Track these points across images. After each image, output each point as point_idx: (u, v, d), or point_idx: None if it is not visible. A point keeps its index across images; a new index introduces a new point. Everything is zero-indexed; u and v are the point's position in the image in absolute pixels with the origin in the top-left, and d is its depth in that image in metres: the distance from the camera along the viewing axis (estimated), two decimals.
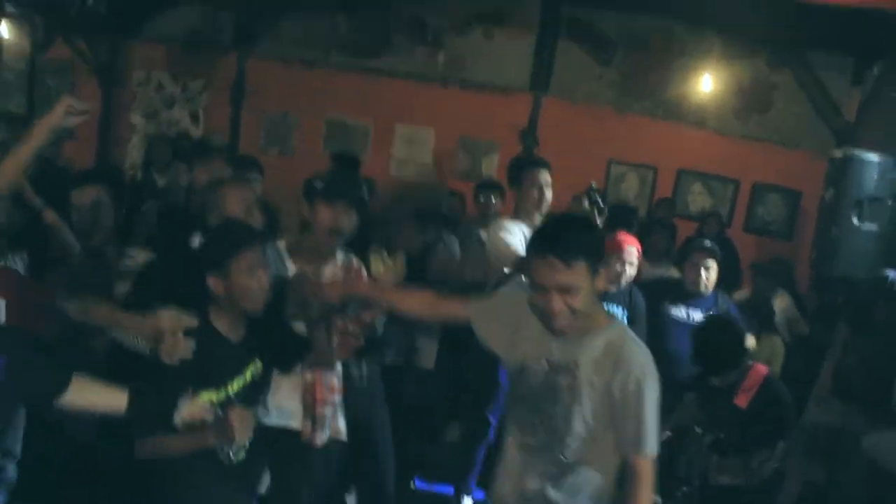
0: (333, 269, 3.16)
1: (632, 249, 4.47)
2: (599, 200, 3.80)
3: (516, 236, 4.10)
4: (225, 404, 2.62)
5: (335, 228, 3.03)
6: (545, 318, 2.32)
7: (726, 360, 3.67)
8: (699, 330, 3.92)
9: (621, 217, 5.71)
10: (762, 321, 5.54)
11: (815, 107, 8.01)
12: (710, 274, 4.64)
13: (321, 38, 8.46)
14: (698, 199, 8.36)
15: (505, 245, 4.02)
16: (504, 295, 2.71)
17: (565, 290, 2.23)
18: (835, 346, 4.45)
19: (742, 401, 3.61)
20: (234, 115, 8.56)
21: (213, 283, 2.62)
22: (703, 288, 4.64)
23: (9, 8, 5.76)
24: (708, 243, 4.83)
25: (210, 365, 2.63)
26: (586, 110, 8.19)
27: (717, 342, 3.70)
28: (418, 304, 2.82)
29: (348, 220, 3.06)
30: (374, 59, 8.44)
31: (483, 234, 4.72)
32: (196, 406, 2.51)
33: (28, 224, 3.48)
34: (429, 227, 3.97)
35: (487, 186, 5.85)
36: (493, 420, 4.29)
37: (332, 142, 8.26)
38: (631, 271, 4.47)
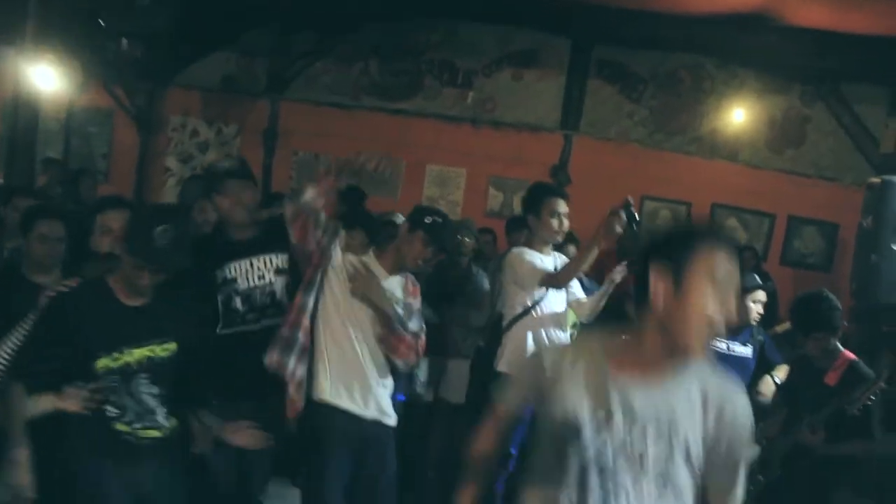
0: (402, 279, 3.56)
1: None
2: (635, 214, 3.76)
3: (536, 259, 4.06)
4: (126, 374, 2.65)
5: (423, 261, 3.49)
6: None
7: (820, 321, 3.80)
8: (798, 300, 4.09)
9: None
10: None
11: (852, 139, 7.94)
12: (759, 308, 4.56)
13: (353, 82, 8.60)
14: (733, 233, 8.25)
15: (531, 267, 3.99)
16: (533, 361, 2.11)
17: None
18: (879, 375, 4.30)
19: (831, 379, 3.75)
20: (267, 157, 8.66)
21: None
22: (753, 322, 4.55)
23: (48, 55, 5.88)
24: (757, 278, 4.73)
25: (101, 328, 2.64)
26: (618, 148, 8.18)
27: (814, 305, 3.88)
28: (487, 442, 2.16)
29: (433, 260, 3.58)
30: (405, 101, 8.54)
31: None
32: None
33: None
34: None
35: (519, 222, 5.81)
36: (514, 452, 4.20)
37: (363, 182, 8.30)
38: None
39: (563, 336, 4.24)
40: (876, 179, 4.85)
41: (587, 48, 8.27)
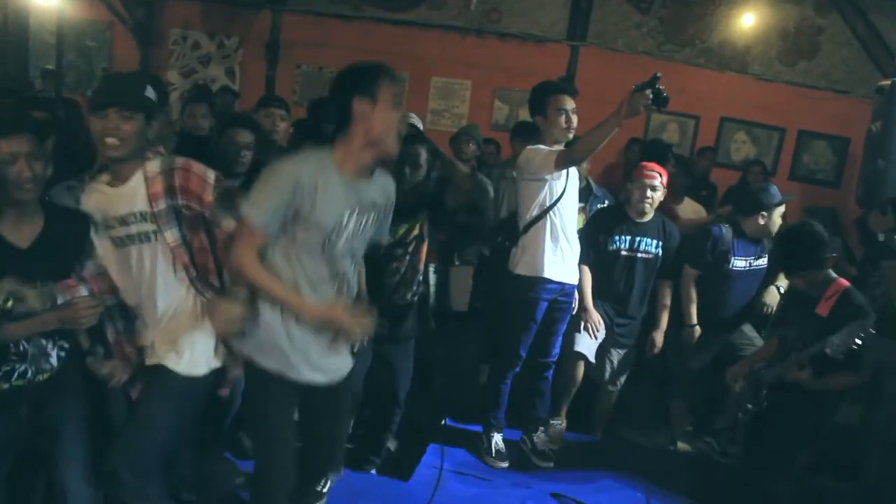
0: None
1: (653, 174, 4.41)
2: (663, 91, 3.44)
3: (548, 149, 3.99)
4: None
5: None
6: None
7: (804, 260, 3.62)
8: (780, 236, 3.92)
9: (656, 152, 5.60)
10: None
11: (866, 50, 7.76)
12: (780, 221, 4.53)
13: None
14: (742, 147, 8.16)
15: (546, 151, 3.92)
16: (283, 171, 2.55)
17: None
18: (877, 282, 4.27)
19: (822, 309, 3.59)
20: (270, 70, 8.55)
21: None
22: (772, 234, 4.50)
23: None
24: (778, 193, 4.64)
25: None
26: (626, 59, 8.02)
27: (796, 243, 3.67)
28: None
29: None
30: (409, 11, 8.36)
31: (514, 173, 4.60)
32: None
33: None
34: None
35: (523, 128, 5.73)
36: (523, 354, 4.22)
37: None
38: (655, 196, 4.45)
39: (575, 239, 4.22)
40: (886, 82, 4.74)
41: None
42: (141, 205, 2.64)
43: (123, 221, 2.66)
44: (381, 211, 2.78)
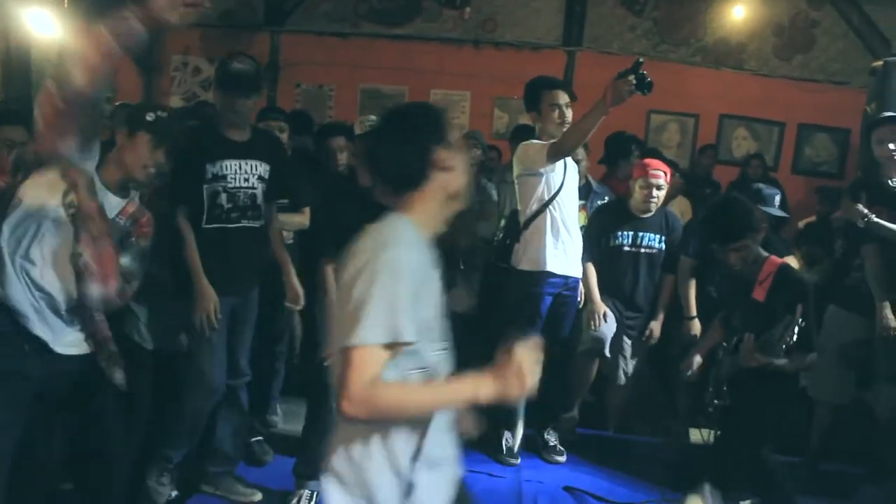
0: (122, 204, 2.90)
1: (658, 173, 4.42)
2: (647, 76, 3.51)
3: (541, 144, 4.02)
4: None
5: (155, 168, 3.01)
6: None
7: (739, 228, 3.44)
8: (708, 213, 3.75)
9: (618, 146, 5.58)
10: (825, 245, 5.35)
11: (862, 40, 7.80)
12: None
13: (351, 9, 8.51)
14: (743, 143, 8.18)
15: (538, 146, 3.97)
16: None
17: None
18: (859, 265, 4.20)
19: (759, 294, 3.47)
20: (271, 90, 8.62)
21: None
22: None
23: None
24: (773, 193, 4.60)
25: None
26: (622, 61, 7.88)
27: (726, 214, 3.53)
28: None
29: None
30: (405, 26, 8.45)
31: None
32: None
33: None
34: None
35: (522, 130, 5.77)
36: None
37: (367, 110, 8.26)
38: (661, 195, 4.45)
39: (577, 233, 4.23)
40: (878, 63, 4.75)
41: None
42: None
43: None
44: None
